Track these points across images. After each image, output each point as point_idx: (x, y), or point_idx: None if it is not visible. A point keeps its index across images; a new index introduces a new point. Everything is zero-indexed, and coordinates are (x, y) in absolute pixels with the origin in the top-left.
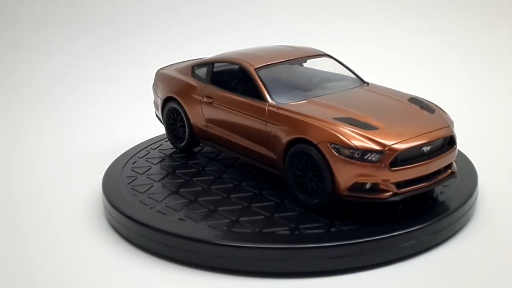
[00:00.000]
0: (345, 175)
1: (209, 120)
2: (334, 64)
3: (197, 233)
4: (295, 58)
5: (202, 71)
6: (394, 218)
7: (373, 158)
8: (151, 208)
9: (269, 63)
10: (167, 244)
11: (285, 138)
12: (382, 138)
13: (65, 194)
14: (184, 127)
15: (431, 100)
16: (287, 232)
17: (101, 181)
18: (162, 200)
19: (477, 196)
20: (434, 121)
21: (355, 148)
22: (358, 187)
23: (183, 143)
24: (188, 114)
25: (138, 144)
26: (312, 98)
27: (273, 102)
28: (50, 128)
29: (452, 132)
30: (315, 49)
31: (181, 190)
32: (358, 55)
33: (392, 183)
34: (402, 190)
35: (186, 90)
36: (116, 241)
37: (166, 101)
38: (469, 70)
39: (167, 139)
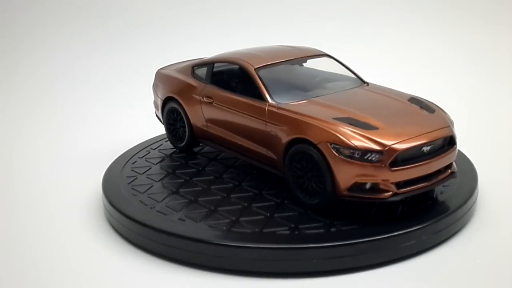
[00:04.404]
0: (345, 175)
1: (209, 120)
2: (334, 64)
3: (197, 233)
4: (295, 58)
5: (202, 71)
6: (394, 218)
7: (373, 158)
8: (151, 208)
9: (269, 63)
10: (167, 244)
11: (285, 138)
12: (382, 138)
13: (65, 194)
14: (184, 127)
15: (431, 100)
16: (287, 232)
17: (101, 181)
18: (162, 200)
19: (477, 196)
20: (434, 121)
21: (355, 148)
22: (358, 187)
23: (183, 143)
24: (188, 114)
25: (138, 144)
26: (312, 98)
27: (273, 102)
28: (50, 128)
29: (452, 132)
30: (315, 49)
31: (181, 190)
32: (358, 55)
33: (392, 183)
34: (402, 190)
35: (186, 90)
36: (116, 241)
37: (166, 101)
38: (468, 70)
39: (167, 139)
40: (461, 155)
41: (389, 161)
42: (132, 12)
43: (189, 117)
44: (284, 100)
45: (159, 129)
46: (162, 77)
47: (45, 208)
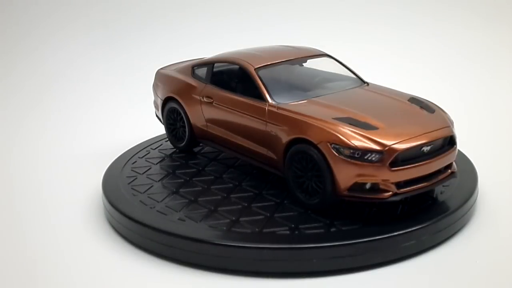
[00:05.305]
0: (345, 175)
1: (209, 120)
2: (334, 64)
3: (197, 233)
4: (295, 58)
5: (202, 71)
6: (394, 218)
7: (373, 158)
8: (151, 208)
9: (269, 63)
10: (167, 244)
11: (285, 138)
12: (382, 138)
13: (65, 194)
14: (184, 127)
15: (431, 100)
16: (287, 232)
17: (101, 181)
18: (162, 200)
19: (477, 196)
20: (434, 121)
21: (355, 148)
22: (358, 187)
23: (183, 143)
24: (188, 114)
25: (138, 144)
26: (312, 98)
27: (273, 102)
28: (50, 128)
29: (452, 132)
30: (315, 49)
31: (181, 190)
32: (358, 55)
33: (392, 183)
34: (402, 190)
35: (186, 90)
36: (116, 241)
37: (166, 101)
38: (469, 70)
39: (167, 139)
40: (461, 155)
41: (389, 161)
42: (132, 12)
43: (189, 117)
44: (284, 100)
45: (159, 129)
46: (162, 77)
47: (45, 208)
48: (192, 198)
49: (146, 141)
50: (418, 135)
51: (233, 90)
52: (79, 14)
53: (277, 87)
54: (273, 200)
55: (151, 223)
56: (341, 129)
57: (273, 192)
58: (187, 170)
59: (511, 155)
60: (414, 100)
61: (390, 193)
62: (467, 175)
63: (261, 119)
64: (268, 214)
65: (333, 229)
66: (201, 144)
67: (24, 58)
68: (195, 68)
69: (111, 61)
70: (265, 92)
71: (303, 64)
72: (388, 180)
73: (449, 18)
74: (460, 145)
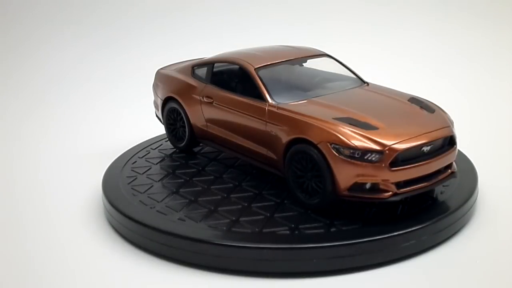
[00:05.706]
0: (345, 175)
1: (209, 120)
2: (334, 64)
3: (197, 233)
4: (295, 58)
5: (202, 71)
6: (394, 218)
7: (373, 158)
8: (151, 208)
9: (269, 63)
10: (167, 244)
11: (285, 138)
12: (382, 138)
13: (65, 194)
14: (184, 127)
15: (431, 100)
16: (287, 232)
17: (101, 181)
18: (162, 200)
19: (477, 196)
20: (434, 121)
21: (355, 148)
22: (358, 187)
23: (183, 143)
24: (188, 114)
25: (138, 144)
26: (312, 98)
27: (273, 102)
28: (51, 128)
29: (452, 132)
30: (315, 49)
31: (181, 190)
32: (358, 55)
33: (392, 183)
34: (402, 190)
35: (186, 90)
36: (116, 241)
37: (166, 101)
38: (469, 70)
39: (167, 139)
40: (461, 155)
41: (389, 161)
42: (132, 12)
43: (189, 117)
44: (284, 100)
45: (159, 129)
46: (162, 77)
47: (45, 208)
48: (192, 198)
49: (146, 141)
50: (418, 135)
51: (233, 90)
52: (80, 15)
53: (277, 87)
54: (273, 200)
55: (151, 223)
56: (341, 129)
57: (273, 192)
58: (187, 170)
59: (511, 155)
60: (414, 100)
61: (390, 193)
62: (467, 175)
63: (261, 119)
64: (268, 214)
65: (333, 229)
66: (201, 144)
67: (25, 59)
68: (195, 68)
69: (111, 61)
70: (265, 92)
71: (303, 64)
72: (388, 180)
73: (449, 18)
74: (460, 145)
